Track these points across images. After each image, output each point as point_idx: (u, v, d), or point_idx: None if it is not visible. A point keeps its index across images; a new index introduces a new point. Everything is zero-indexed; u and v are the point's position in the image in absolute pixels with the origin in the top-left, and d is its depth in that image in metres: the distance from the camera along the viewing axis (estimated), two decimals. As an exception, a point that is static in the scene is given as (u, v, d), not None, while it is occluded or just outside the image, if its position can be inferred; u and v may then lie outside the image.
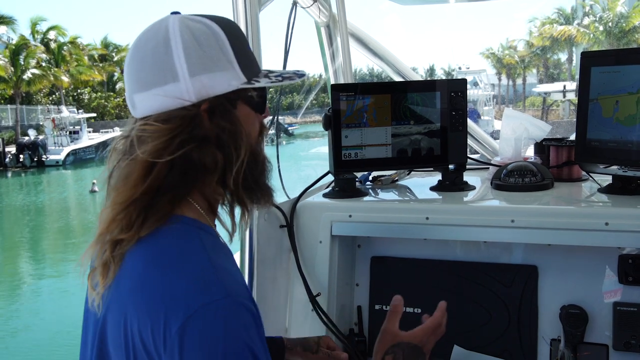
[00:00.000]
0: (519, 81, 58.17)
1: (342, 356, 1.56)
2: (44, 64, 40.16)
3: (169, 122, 1.02)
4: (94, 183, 22.52)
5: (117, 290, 1.02)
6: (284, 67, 2.00)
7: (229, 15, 1.68)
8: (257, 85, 1.08)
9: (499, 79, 59.12)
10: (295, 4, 2.15)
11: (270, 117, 1.97)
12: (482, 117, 33.48)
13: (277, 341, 1.51)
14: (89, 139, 37.23)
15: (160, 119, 1.02)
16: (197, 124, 1.02)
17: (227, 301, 0.92)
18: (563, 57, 52.03)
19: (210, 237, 1.06)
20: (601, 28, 40.37)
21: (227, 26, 1.08)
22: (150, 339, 0.92)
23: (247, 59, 1.09)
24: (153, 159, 1.00)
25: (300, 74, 1.14)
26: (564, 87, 30.47)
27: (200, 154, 1.02)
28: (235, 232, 1.17)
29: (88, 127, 38.96)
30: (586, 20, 42.14)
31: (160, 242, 1.01)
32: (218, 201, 1.12)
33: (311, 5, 2.28)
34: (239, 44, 1.08)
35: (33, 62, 38.57)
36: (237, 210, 1.16)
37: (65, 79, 40.89)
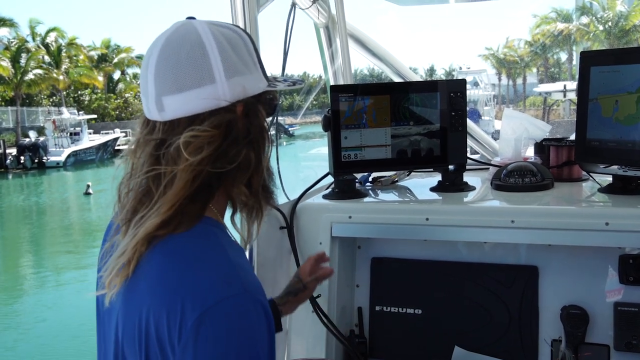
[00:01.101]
0: (519, 81, 58.17)
1: (327, 271, 1.61)
2: (44, 66, 40.17)
3: (217, 127, 1.04)
4: (88, 185, 22.65)
5: (133, 288, 1.02)
6: (283, 68, 2.00)
7: (228, 17, 1.68)
8: (278, 88, 1.14)
9: (499, 79, 59.13)
10: (294, 5, 2.15)
11: (270, 118, 1.97)
12: (482, 117, 33.47)
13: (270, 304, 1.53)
14: (89, 140, 37.22)
15: (211, 124, 1.03)
16: (235, 126, 1.06)
17: (245, 297, 0.95)
18: (563, 56, 52.05)
19: (225, 235, 1.08)
20: (601, 27, 40.34)
21: (246, 32, 1.13)
22: (165, 329, 0.94)
23: (262, 64, 1.14)
24: (213, 168, 1.03)
25: (300, 81, 1.20)
26: (564, 86, 30.42)
27: (238, 154, 1.06)
28: (251, 240, 1.18)
29: (88, 129, 38.94)
30: (586, 20, 42.11)
31: (178, 240, 1.02)
32: (234, 203, 1.15)
33: (310, 7, 2.28)
34: (256, 50, 1.14)
35: (34, 64, 38.57)
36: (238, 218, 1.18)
37: (62, 77, 40.84)
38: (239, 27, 1.14)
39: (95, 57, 50.29)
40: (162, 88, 1.05)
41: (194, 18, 1.10)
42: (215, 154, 1.03)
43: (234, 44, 1.08)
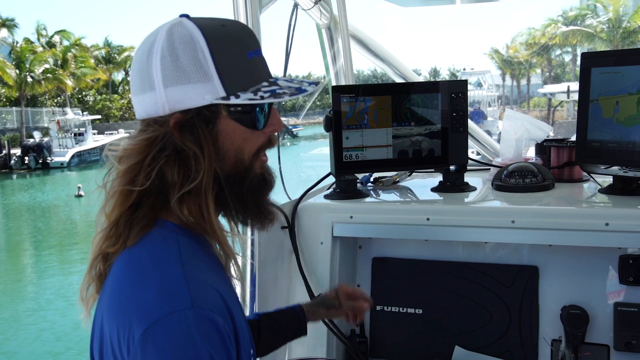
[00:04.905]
0: (523, 82, 58.05)
1: (365, 306, 1.61)
2: (49, 67, 40.21)
3: (144, 139, 1.02)
4: (79, 187, 22.83)
5: (100, 297, 1.06)
6: (285, 69, 2.00)
7: (230, 17, 1.69)
8: (234, 101, 1.00)
9: (503, 80, 59.02)
10: (296, 5, 2.16)
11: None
12: (487, 118, 33.44)
13: (297, 310, 1.56)
14: (93, 140, 37.21)
15: (141, 135, 1.03)
16: (167, 138, 1.01)
17: (190, 312, 0.91)
18: (567, 57, 51.91)
19: (191, 244, 1.04)
20: (605, 27, 40.18)
21: (218, 33, 1.01)
22: (117, 344, 0.94)
23: (236, 71, 1.02)
24: (131, 187, 1.02)
25: (302, 90, 1.06)
26: (568, 88, 30.35)
27: (166, 167, 1.02)
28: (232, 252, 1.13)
29: (93, 129, 38.97)
30: (589, 21, 41.95)
31: (137, 249, 1.02)
32: (210, 211, 1.04)
33: (312, 7, 2.29)
34: (229, 53, 1.01)
35: (41, 68, 38.60)
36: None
37: (69, 82, 40.87)
38: (210, 27, 1.02)
39: (100, 56, 50.40)
40: (131, 88, 1.09)
41: (187, 16, 1.05)
42: (137, 171, 1.02)
43: (178, 50, 0.99)
